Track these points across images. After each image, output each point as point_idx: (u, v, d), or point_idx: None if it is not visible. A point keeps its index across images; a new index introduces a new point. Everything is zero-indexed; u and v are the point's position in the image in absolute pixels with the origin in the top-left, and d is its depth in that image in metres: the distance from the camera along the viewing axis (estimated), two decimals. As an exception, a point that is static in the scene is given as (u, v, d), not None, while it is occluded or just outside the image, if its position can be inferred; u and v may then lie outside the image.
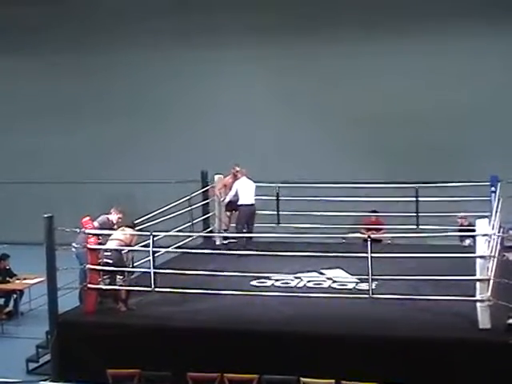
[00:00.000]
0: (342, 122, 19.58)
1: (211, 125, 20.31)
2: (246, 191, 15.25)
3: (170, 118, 20.79)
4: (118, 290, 12.12)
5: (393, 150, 19.10)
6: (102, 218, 13.15)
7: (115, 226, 12.93)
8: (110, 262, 11.96)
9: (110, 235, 12.34)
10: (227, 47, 20.01)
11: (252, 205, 15.23)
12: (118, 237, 12.19)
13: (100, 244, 12.24)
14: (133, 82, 21.00)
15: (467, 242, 14.49)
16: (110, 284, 12.10)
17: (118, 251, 12.04)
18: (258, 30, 19.87)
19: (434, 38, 18.76)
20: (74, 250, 12.89)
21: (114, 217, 13.20)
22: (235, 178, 15.63)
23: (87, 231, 12.11)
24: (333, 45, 19.41)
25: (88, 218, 12.38)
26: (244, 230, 15.00)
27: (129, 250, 12.30)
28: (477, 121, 18.66)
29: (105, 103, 21.38)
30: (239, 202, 15.23)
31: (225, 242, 15.67)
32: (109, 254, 12.00)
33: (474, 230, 11.20)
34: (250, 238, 14.80)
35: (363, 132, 19.42)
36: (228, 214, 15.93)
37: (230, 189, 15.58)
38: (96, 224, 12.65)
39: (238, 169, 15.65)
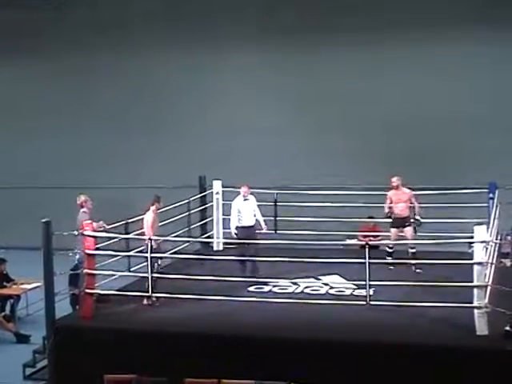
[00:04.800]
0: (340, 128, 19.61)
1: (210, 130, 20.33)
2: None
3: (169, 122, 20.80)
4: (115, 295, 12.18)
5: (391, 156, 19.09)
6: (81, 216, 13.07)
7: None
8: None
9: (110, 238, 12.44)
10: (227, 52, 20.05)
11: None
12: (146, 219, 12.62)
13: (98, 249, 12.22)
14: (130, 86, 21.00)
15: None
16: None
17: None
18: (257, 35, 19.89)
19: (433, 45, 18.78)
20: (77, 256, 12.79)
21: (86, 206, 13.32)
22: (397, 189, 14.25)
23: (85, 233, 12.04)
24: (333, 50, 19.45)
25: (90, 221, 12.36)
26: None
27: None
28: (475, 127, 18.68)
29: (101, 108, 21.40)
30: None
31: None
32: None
33: None
34: None
35: (361, 138, 19.44)
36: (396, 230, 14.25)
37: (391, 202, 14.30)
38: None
39: (394, 180, 14.31)
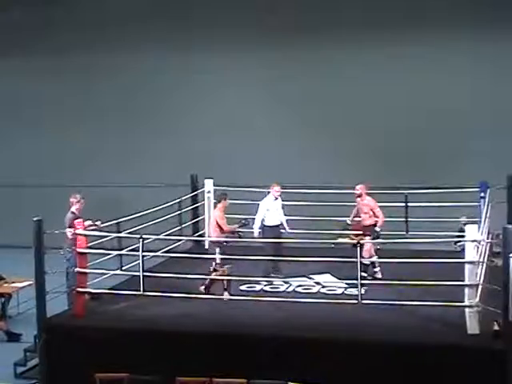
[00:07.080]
0: (333, 127, 19.58)
1: (203, 129, 20.27)
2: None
3: (161, 121, 20.72)
4: (107, 293, 12.18)
5: (382, 155, 19.10)
6: (69, 216, 13.09)
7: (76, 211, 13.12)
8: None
9: (102, 237, 12.41)
10: (225, 51, 19.96)
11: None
12: (215, 218, 12.75)
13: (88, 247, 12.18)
14: (123, 84, 20.91)
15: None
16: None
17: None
18: (256, 33, 19.80)
19: (433, 45, 18.74)
20: (63, 253, 12.77)
21: (76, 206, 13.26)
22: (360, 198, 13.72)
23: (77, 231, 12.01)
24: (332, 49, 19.38)
25: (80, 219, 12.34)
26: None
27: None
28: (467, 127, 18.67)
29: (94, 106, 21.32)
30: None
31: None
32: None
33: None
34: None
35: (354, 138, 19.42)
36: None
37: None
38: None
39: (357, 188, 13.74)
